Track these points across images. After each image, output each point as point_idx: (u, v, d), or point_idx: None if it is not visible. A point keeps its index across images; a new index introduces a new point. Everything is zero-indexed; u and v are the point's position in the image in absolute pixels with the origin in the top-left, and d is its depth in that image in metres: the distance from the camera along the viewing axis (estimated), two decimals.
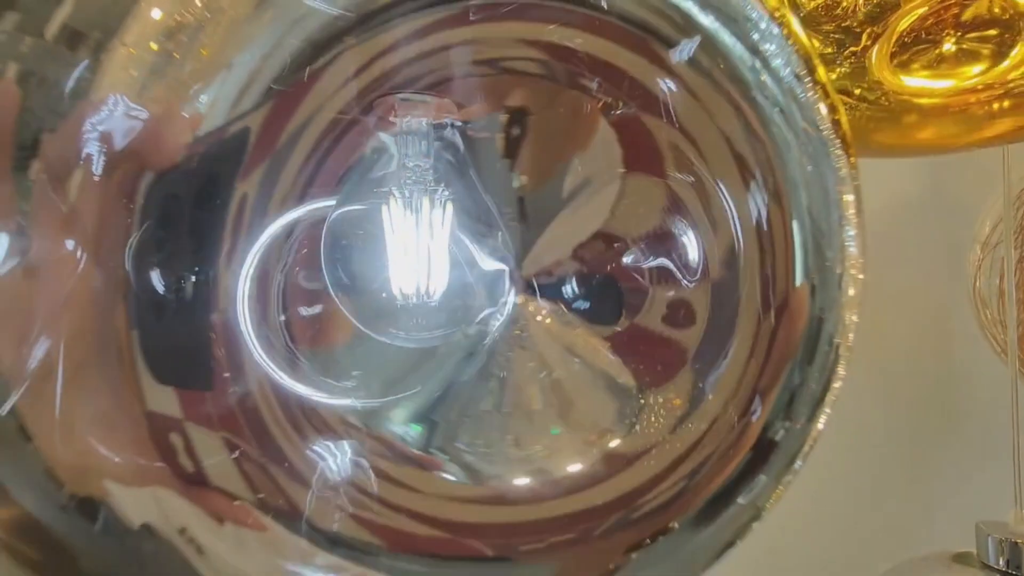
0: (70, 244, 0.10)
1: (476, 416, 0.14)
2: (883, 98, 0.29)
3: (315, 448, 0.13)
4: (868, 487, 0.75)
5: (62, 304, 0.10)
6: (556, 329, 0.14)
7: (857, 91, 0.29)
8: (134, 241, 0.11)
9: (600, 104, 0.16)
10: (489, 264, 0.15)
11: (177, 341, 0.12)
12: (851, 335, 0.15)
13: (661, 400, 0.13)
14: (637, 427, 0.13)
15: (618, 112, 0.16)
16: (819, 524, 0.74)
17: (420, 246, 0.17)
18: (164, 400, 0.11)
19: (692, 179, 0.14)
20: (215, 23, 0.12)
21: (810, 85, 0.14)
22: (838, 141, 0.14)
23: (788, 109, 0.13)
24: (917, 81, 0.32)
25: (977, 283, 0.60)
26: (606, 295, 0.14)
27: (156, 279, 0.12)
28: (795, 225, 0.13)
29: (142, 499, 0.11)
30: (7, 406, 0.10)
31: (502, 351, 0.14)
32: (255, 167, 0.13)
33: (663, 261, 0.13)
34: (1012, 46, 0.32)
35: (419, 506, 0.13)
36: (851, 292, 0.14)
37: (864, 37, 0.30)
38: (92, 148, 0.10)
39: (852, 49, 0.30)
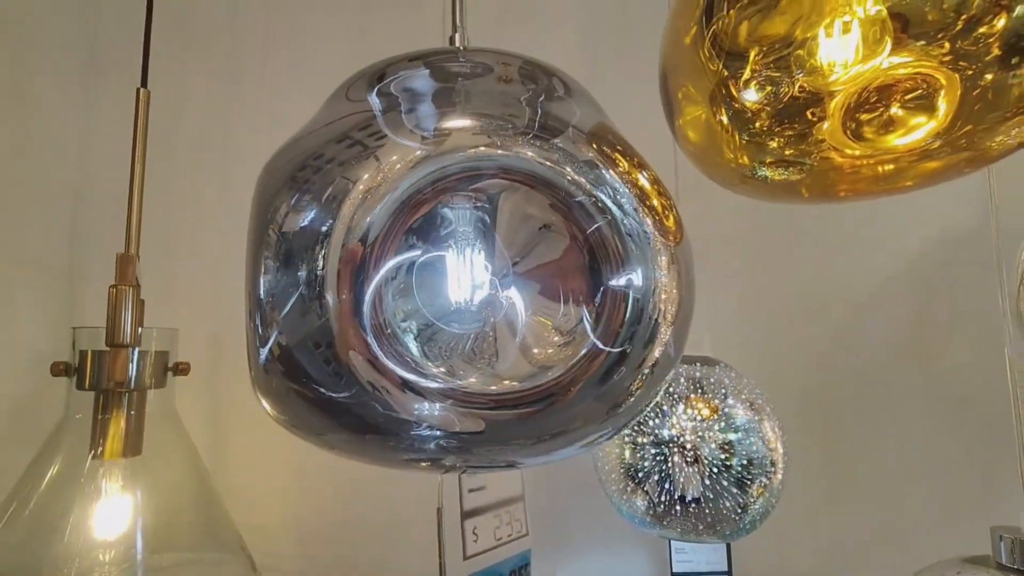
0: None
1: (484, 363, 0.28)
2: (811, 160, 0.40)
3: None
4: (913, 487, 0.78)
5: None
6: (524, 312, 0.28)
7: (788, 153, 0.40)
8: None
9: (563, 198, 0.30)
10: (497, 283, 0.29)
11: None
12: (668, 315, 0.28)
13: (571, 338, 0.27)
14: (564, 347, 0.28)
15: (577, 199, 0.29)
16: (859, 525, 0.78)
17: (465, 276, 0.32)
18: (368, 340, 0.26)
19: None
20: (387, 181, 0.28)
21: (643, 210, 0.28)
22: (658, 234, 0.28)
23: (635, 226, 0.27)
24: (901, 140, 0.41)
25: (1020, 306, 0.65)
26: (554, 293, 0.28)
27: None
28: (631, 277, 0.27)
29: (360, 365, 0.26)
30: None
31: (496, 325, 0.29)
32: (379, 238, 0.28)
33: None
34: (934, 105, 0.41)
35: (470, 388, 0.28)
36: (663, 296, 0.27)
37: (808, 115, 0.40)
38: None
39: (790, 126, 0.40)
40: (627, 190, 0.28)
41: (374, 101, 0.31)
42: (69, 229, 0.73)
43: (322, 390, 0.26)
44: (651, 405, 0.32)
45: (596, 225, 0.27)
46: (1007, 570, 0.50)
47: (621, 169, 0.29)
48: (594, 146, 0.30)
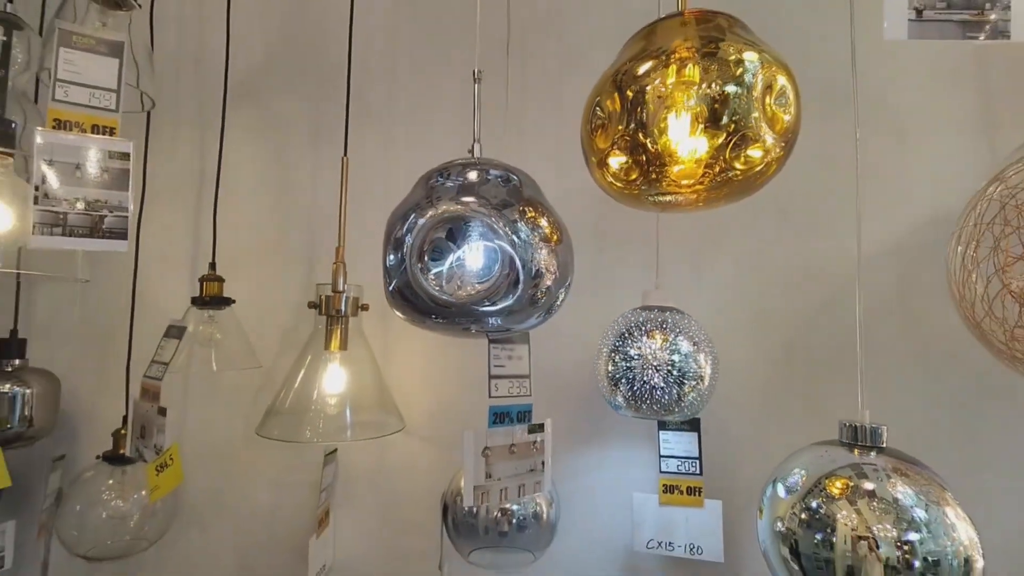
0: None
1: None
2: (667, 189, 0.71)
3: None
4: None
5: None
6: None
7: (647, 185, 0.72)
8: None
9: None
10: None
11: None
12: (550, 269, 0.64)
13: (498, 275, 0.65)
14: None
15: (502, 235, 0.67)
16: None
17: (474, 255, 0.71)
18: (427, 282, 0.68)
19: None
20: (436, 217, 0.68)
21: (533, 234, 0.64)
22: (541, 241, 0.64)
23: (523, 241, 0.64)
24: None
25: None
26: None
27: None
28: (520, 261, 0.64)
29: (427, 294, 0.67)
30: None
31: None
32: (426, 240, 0.68)
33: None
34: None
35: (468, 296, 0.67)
36: (543, 263, 0.63)
37: (666, 161, 0.72)
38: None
39: (655, 171, 0.72)
40: (526, 228, 0.65)
41: (437, 184, 0.72)
42: (307, 234, 1.27)
43: (416, 304, 0.67)
44: (559, 305, 0.68)
45: (502, 243, 0.65)
46: (844, 444, 0.75)
47: (529, 217, 0.66)
48: (520, 210, 0.67)
